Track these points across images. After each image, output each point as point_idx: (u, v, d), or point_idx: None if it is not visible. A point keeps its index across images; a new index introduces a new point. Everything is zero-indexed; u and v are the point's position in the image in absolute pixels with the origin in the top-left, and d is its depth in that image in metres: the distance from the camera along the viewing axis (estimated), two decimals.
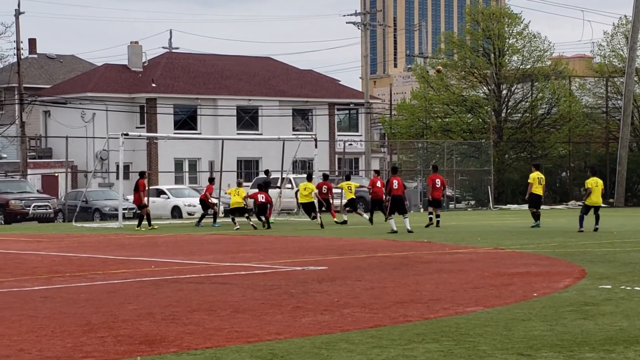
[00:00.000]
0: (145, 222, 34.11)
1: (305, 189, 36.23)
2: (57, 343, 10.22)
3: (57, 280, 16.67)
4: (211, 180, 39.16)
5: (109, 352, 9.70)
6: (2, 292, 14.95)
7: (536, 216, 31.89)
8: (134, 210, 40.59)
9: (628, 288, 14.41)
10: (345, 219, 35.92)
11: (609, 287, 14.56)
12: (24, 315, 12.25)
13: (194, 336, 10.59)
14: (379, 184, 34.67)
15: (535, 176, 31.75)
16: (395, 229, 29.34)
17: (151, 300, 13.66)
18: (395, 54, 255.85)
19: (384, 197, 33.27)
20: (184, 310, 12.58)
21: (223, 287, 15.34)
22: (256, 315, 12.16)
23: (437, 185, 33.73)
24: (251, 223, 33.29)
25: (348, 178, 39.23)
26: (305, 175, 49.48)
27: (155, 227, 34.47)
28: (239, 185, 36.04)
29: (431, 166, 38.34)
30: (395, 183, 30.28)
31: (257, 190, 36.61)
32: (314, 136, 42.77)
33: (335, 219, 35.96)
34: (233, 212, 34.75)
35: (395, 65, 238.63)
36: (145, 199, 35.30)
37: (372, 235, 28.65)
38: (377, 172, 40.83)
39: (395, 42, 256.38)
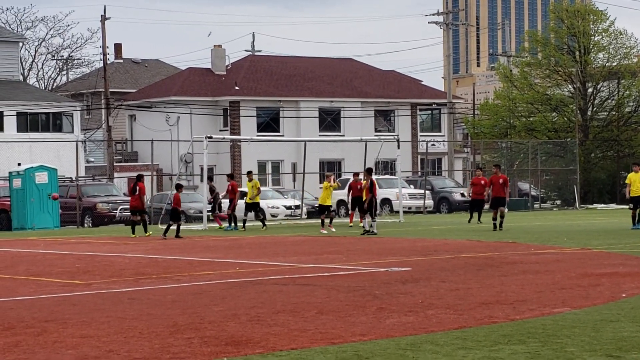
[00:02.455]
0: (138, 227, 32.74)
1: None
2: (145, 344, 10.34)
3: (144, 282, 16.89)
4: (231, 176, 38.17)
5: (195, 353, 9.79)
6: (92, 294, 15.19)
7: (635, 218, 30.82)
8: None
9: None
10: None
11: None
12: (113, 317, 12.43)
13: (278, 337, 10.64)
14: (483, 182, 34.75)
15: (634, 177, 30.87)
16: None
17: (236, 302, 13.76)
18: (477, 53, 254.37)
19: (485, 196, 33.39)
20: (269, 312, 12.64)
21: (307, 288, 15.39)
22: (340, 316, 12.17)
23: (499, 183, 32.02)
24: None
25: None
26: (390, 177, 49.66)
27: (150, 233, 32.50)
28: None
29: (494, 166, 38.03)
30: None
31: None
32: (396, 137, 42.59)
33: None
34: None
35: (478, 65, 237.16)
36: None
37: (455, 236, 28.48)
38: (479, 168, 39.84)
39: (477, 41, 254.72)
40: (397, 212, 42.70)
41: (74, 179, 46.00)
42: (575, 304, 12.89)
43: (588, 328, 10.80)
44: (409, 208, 49.67)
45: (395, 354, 9.54)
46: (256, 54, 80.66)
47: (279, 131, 66.02)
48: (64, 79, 79.13)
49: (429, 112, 73.57)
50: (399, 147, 40.61)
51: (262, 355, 9.59)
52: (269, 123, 66.32)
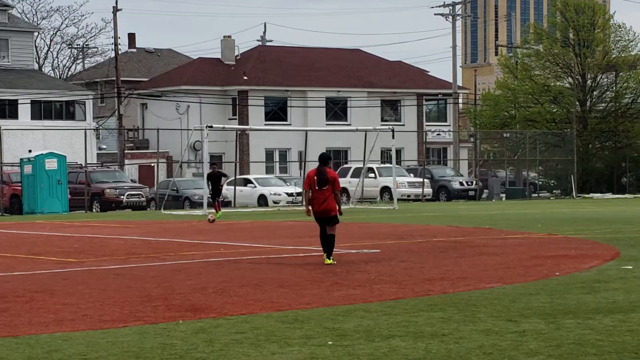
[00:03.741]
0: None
1: None
2: (116, 310, 11.87)
3: (132, 260, 18.44)
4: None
5: (157, 317, 11.30)
6: (82, 271, 16.73)
7: None
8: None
9: None
10: None
11: (630, 267, 15.69)
12: (95, 289, 13.97)
13: (234, 305, 12.16)
14: None
15: None
16: None
17: (209, 277, 15.28)
18: (496, 42, 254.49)
19: None
20: (235, 285, 14.16)
21: (277, 267, 16.91)
22: (296, 289, 13.69)
23: None
24: None
25: None
26: (390, 165, 50.79)
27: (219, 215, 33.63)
28: None
29: None
30: None
31: None
32: (390, 127, 43.99)
33: None
34: None
35: (496, 54, 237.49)
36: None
37: (439, 222, 29.91)
38: None
39: (496, 31, 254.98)
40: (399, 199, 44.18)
41: (83, 165, 47.61)
42: (509, 281, 14.35)
43: (506, 300, 12.26)
44: (408, 196, 51.09)
45: (328, 318, 11.03)
46: (267, 44, 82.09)
47: (286, 120, 67.51)
48: (79, 67, 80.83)
49: (435, 102, 74.93)
50: (393, 137, 41.99)
51: (214, 319, 11.09)
52: (276, 112, 67.85)
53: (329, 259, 16.85)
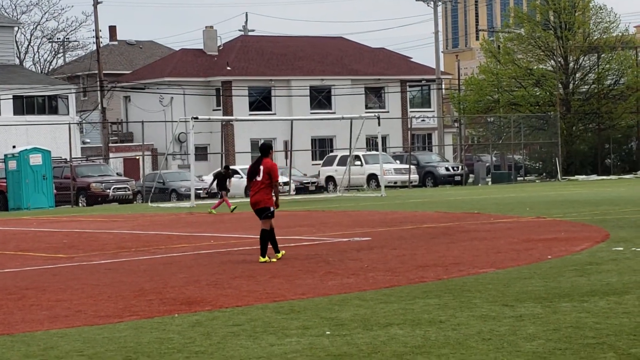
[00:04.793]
0: None
1: None
2: (111, 305, 11.82)
3: (123, 254, 18.37)
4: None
5: (152, 311, 11.26)
6: (73, 266, 16.66)
7: None
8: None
9: (638, 249, 15.56)
10: None
11: (621, 249, 15.73)
12: (87, 284, 13.91)
13: (229, 298, 12.12)
14: None
15: None
16: None
17: (201, 270, 15.24)
18: (477, 27, 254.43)
19: None
20: (227, 277, 14.13)
21: None
22: (289, 279, 13.66)
23: None
24: None
25: None
26: (376, 153, 50.78)
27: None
28: None
29: None
30: None
31: None
32: (376, 115, 43.98)
33: None
34: None
35: (477, 38, 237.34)
36: None
37: (427, 208, 29.93)
38: None
39: (477, 15, 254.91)
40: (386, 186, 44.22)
41: (68, 160, 47.41)
42: (502, 265, 14.36)
43: (501, 284, 12.27)
44: (395, 183, 51.13)
45: (325, 307, 11.01)
46: (250, 34, 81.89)
47: (271, 110, 67.41)
48: (60, 61, 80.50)
49: (419, 88, 74.95)
50: (379, 125, 41.94)
51: (210, 312, 11.06)
52: (261, 102, 67.73)
53: (264, 257, 15.82)
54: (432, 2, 69.47)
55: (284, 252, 16.31)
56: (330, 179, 52.31)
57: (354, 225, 23.86)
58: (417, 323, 9.71)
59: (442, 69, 72.59)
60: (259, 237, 16.25)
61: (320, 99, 69.14)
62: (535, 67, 61.16)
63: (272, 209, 16.13)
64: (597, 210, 25.56)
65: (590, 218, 22.70)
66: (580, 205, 27.88)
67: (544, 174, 58.47)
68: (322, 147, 68.26)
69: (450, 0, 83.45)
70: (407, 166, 52.04)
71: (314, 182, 51.63)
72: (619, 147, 61.26)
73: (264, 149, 16.56)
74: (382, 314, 10.33)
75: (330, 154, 58.63)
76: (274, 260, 15.86)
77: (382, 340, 8.88)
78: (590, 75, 60.88)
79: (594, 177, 56.49)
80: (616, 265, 13.66)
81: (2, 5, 76.56)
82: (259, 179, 16.14)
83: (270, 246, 16.13)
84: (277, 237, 16.40)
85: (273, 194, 16.16)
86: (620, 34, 61.76)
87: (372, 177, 50.83)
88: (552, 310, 10.12)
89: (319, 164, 57.29)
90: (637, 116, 60.91)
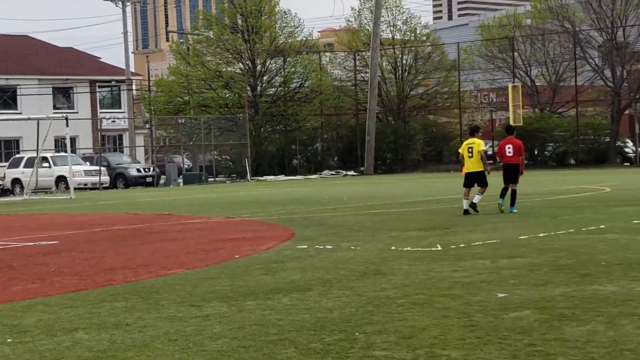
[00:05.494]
0: None
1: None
2: None
3: None
4: None
5: None
6: None
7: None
8: None
9: (320, 247, 16.19)
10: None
11: (305, 247, 16.30)
12: None
13: None
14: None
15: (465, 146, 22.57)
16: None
17: None
18: (167, 29, 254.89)
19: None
20: None
21: None
22: None
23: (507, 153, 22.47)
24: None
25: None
26: (65, 154, 49.75)
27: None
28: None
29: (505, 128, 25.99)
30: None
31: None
32: (64, 115, 43.17)
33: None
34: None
35: (167, 40, 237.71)
36: None
37: (117, 210, 29.69)
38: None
39: (166, 17, 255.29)
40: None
41: None
42: (191, 266, 14.49)
43: (189, 285, 12.37)
44: (85, 184, 50.37)
45: (7, 314, 10.66)
46: None
47: None
48: None
49: (109, 88, 74.09)
50: (67, 125, 41.17)
51: None
52: None
53: None
54: (120, 2, 69.00)
55: None
56: (16, 181, 50.77)
57: (41, 228, 23.27)
58: (103, 327, 9.62)
59: (132, 69, 72.28)
60: None
61: (6, 98, 66.82)
62: (224, 70, 62.15)
63: None
64: (285, 209, 26.33)
65: (278, 217, 23.35)
66: (269, 205, 28.61)
67: (235, 175, 59.49)
68: (7, 149, 66.01)
69: (139, 1, 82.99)
70: (98, 168, 51.37)
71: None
72: (305, 148, 63.39)
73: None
74: (68, 319, 10.16)
75: (17, 155, 56.83)
76: None
77: (66, 346, 8.74)
78: (277, 78, 62.60)
79: (282, 177, 58.14)
80: (300, 263, 14.14)
81: None
82: None
83: None
84: None
85: None
86: (304, 39, 63.90)
87: (61, 179, 49.79)
88: (238, 309, 10.33)
89: (5, 166, 55.46)
90: (321, 118, 63.26)
